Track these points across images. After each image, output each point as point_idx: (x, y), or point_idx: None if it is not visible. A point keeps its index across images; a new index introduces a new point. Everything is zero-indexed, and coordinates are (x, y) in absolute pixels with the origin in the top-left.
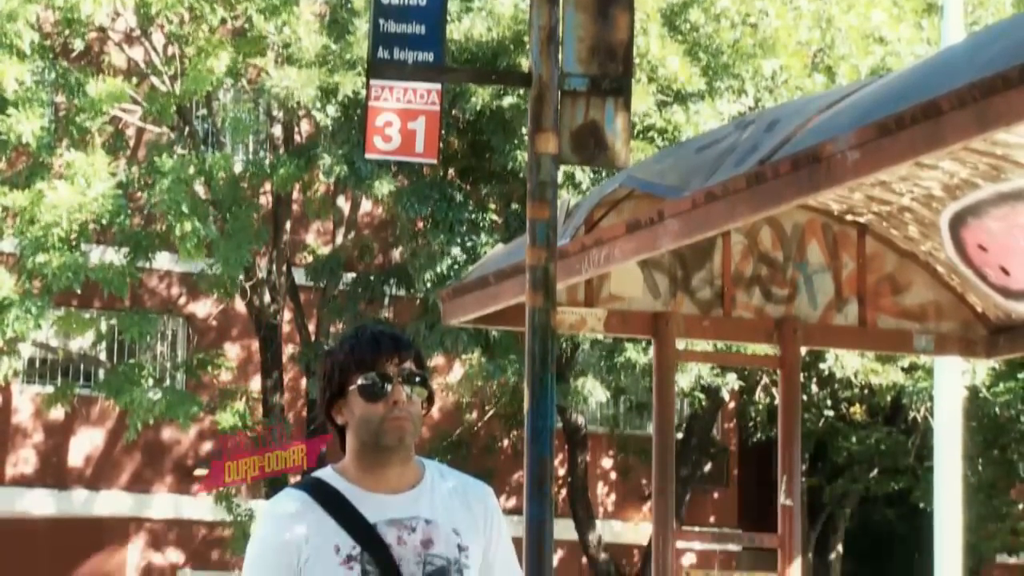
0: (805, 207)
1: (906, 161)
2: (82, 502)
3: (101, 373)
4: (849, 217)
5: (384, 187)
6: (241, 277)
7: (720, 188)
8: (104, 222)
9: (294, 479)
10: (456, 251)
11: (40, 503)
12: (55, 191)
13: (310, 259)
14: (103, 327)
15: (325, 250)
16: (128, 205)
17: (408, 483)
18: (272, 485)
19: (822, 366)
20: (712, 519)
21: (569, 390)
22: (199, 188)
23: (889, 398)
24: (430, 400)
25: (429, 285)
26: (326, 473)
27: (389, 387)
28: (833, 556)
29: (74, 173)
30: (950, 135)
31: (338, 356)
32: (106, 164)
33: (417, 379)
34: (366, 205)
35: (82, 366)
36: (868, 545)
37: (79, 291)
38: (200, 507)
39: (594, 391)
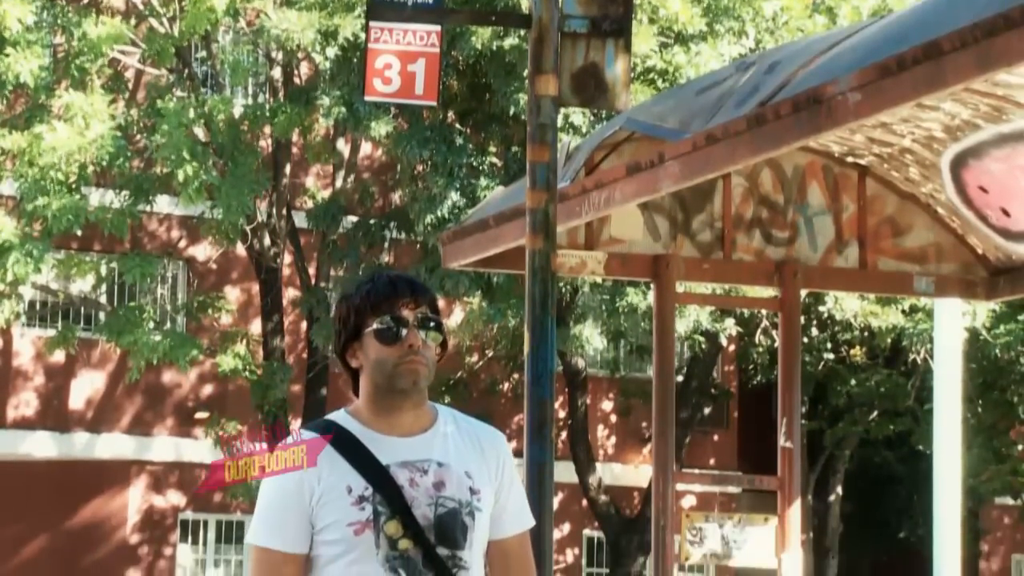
0: (806, 149)
1: (907, 102)
2: (83, 444)
3: (102, 316)
4: (850, 159)
5: (381, 128)
6: (242, 221)
7: (720, 130)
8: (104, 164)
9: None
10: (456, 195)
11: (42, 445)
12: (54, 132)
13: (310, 203)
14: (103, 270)
15: (325, 194)
16: (128, 148)
17: (421, 427)
18: (272, 430)
19: (822, 309)
20: (712, 461)
21: (569, 334)
22: (199, 131)
23: (889, 340)
24: (444, 346)
25: (429, 229)
26: (339, 415)
27: (404, 331)
28: (832, 498)
29: (73, 114)
30: (951, 76)
31: (354, 300)
32: (105, 105)
33: (432, 324)
34: (366, 148)
35: (83, 309)
36: (867, 487)
37: (79, 233)
38: (201, 450)
39: (592, 339)
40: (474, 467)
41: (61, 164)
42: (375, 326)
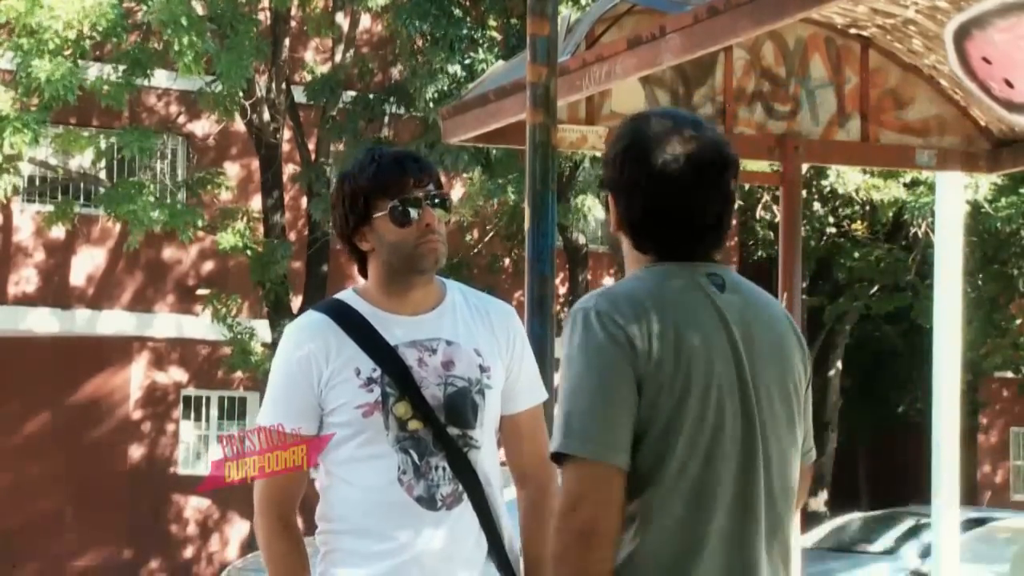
0: (808, 21)
1: None
2: (85, 321)
3: (101, 192)
4: (852, 31)
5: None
6: (240, 95)
7: (722, 2)
8: (102, 32)
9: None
10: (455, 68)
11: (43, 322)
12: None
13: (309, 78)
14: (102, 145)
15: (324, 68)
16: (126, 19)
17: (430, 304)
18: (274, 306)
19: (824, 183)
20: None
21: (570, 209)
22: (196, 6)
23: (890, 214)
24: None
25: (429, 104)
26: (348, 296)
27: (419, 212)
28: (832, 372)
29: None
30: None
31: (360, 181)
32: None
33: (439, 200)
34: (365, 22)
35: (82, 185)
36: (867, 361)
37: (76, 104)
38: (202, 327)
39: (593, 209)
40: (484, 344)
41: (59, 28)
42: (390, 208)
